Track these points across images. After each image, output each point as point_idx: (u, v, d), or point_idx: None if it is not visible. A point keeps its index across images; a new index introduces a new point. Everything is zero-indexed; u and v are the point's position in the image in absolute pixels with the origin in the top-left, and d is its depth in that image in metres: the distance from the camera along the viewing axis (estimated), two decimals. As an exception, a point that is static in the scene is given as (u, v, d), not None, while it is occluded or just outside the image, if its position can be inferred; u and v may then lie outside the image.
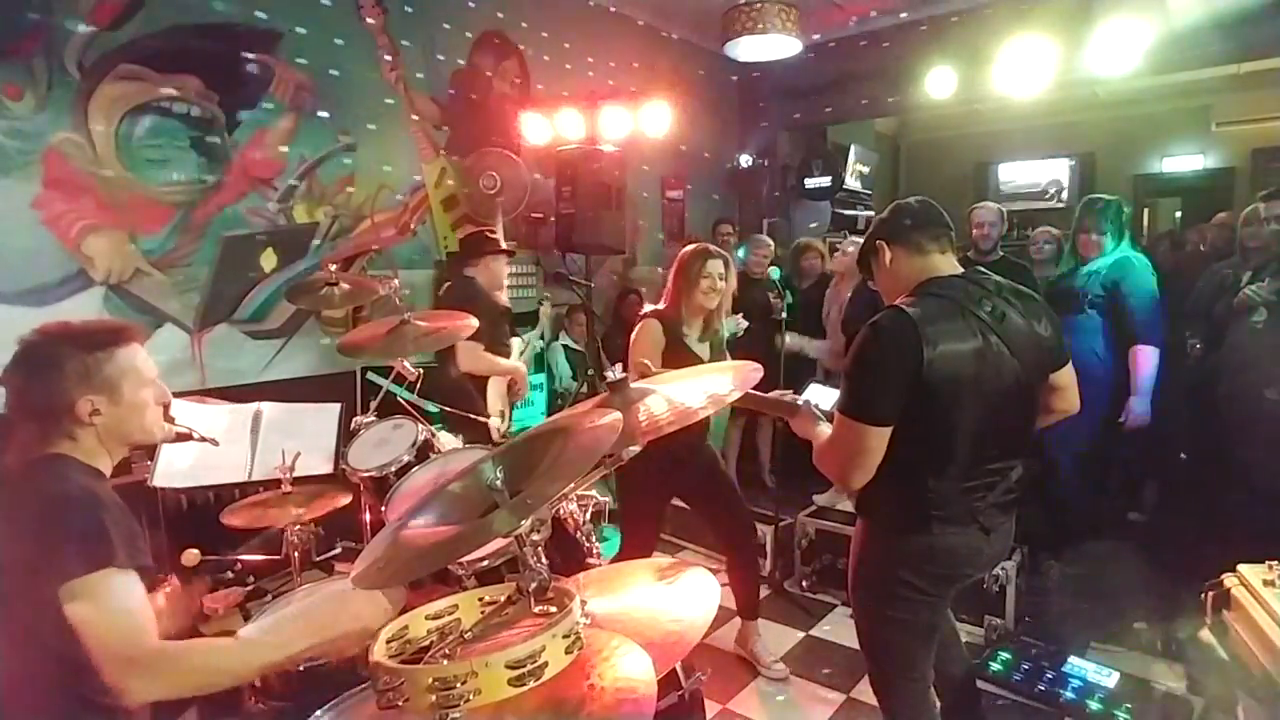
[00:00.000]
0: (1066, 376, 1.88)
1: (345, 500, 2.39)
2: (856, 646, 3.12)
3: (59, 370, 1.35)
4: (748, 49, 5.10)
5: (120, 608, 1.26)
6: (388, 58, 4.19)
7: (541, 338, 4.72)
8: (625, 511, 2.92)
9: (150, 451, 2.51)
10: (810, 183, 7.00)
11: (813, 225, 6.93)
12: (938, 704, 2.01)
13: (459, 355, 3.12)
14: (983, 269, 1.87)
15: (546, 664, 0.86)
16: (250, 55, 3.62)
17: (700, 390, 1.39)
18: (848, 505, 4.35)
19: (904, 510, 1.77)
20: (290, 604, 1.99)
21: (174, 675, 1.26)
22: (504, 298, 3.77)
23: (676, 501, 3.13)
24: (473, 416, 3.12)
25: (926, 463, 1.71)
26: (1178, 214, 8.14)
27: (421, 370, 2.92)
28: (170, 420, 1.65)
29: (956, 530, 1.75)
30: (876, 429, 1.66)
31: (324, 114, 3.92)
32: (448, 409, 3.09)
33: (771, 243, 4.98)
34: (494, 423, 3.11)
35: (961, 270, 1.82)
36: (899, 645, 1.91)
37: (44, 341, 1.39)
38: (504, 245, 3.57)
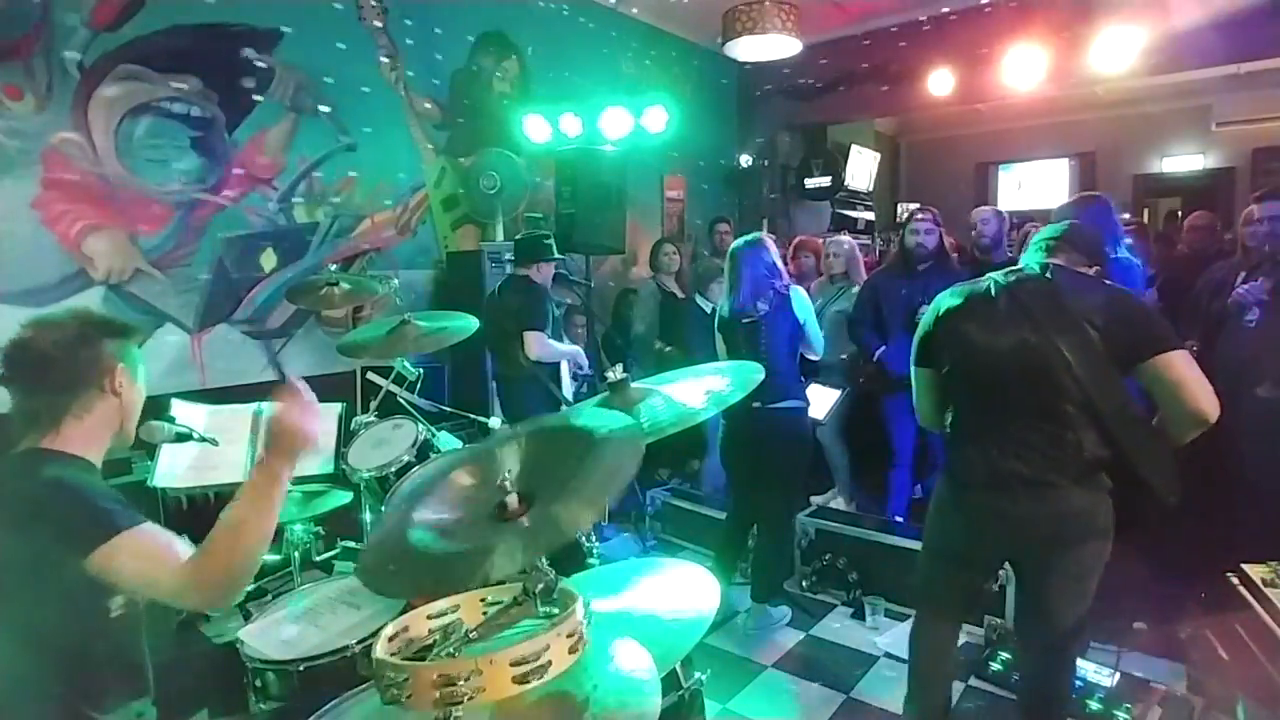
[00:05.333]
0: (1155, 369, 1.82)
1: (345, 500, 2.39)
2: (856, 646, 3.16)
3: (98, 344, 1.47)
4: (748, 49, 5.10)
5: (148, 554, 1.31)
6: (388, 58, 4.19)
7: None
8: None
9: (150, 451, 2.51)
10: (810, 183, 7.01)
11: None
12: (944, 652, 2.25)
13: (528, 346, 3.45)
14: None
15: (550, 663, 0.85)
16: (250, 55, 3.62)
17: (700, 390, 1.39)
18: (846, 505, 4.36)
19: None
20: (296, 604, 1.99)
21: (218, 570, 1.32)
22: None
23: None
24: (472, 417, 3.12)
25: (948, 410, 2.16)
26: (1178, 214, 8.15)
27: (422, 370, 2.92)
28: (165, 420, 1.73)
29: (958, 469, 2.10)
30: (920, 369, 2.18)
31: (324, 114, 3.91)
32: (449, 409, 3.09)
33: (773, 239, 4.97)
34: (494, 423, 3.11)
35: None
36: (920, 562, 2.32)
37: (79, 318, 1.48)
38: (555, 252, 3.77)
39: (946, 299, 2.10)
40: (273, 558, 2.43)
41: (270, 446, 1.39)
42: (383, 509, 2.20)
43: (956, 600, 2.24)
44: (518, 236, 3.89)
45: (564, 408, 3.47)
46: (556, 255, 3.76)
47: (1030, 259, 2.06)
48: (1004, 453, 1.93)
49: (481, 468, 1.09)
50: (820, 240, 5.27)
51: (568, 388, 3.81)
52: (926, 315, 2.15)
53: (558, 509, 0.92)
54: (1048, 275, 1.96)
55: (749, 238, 3.23)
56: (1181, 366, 1.80)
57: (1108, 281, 2.01)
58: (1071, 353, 1.83)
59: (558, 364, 3.72)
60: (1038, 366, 1.86)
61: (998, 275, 2.03)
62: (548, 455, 1.06)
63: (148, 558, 1.31)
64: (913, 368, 2.20)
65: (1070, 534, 1.93)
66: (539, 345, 3.47)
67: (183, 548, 1.34)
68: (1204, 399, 1.79)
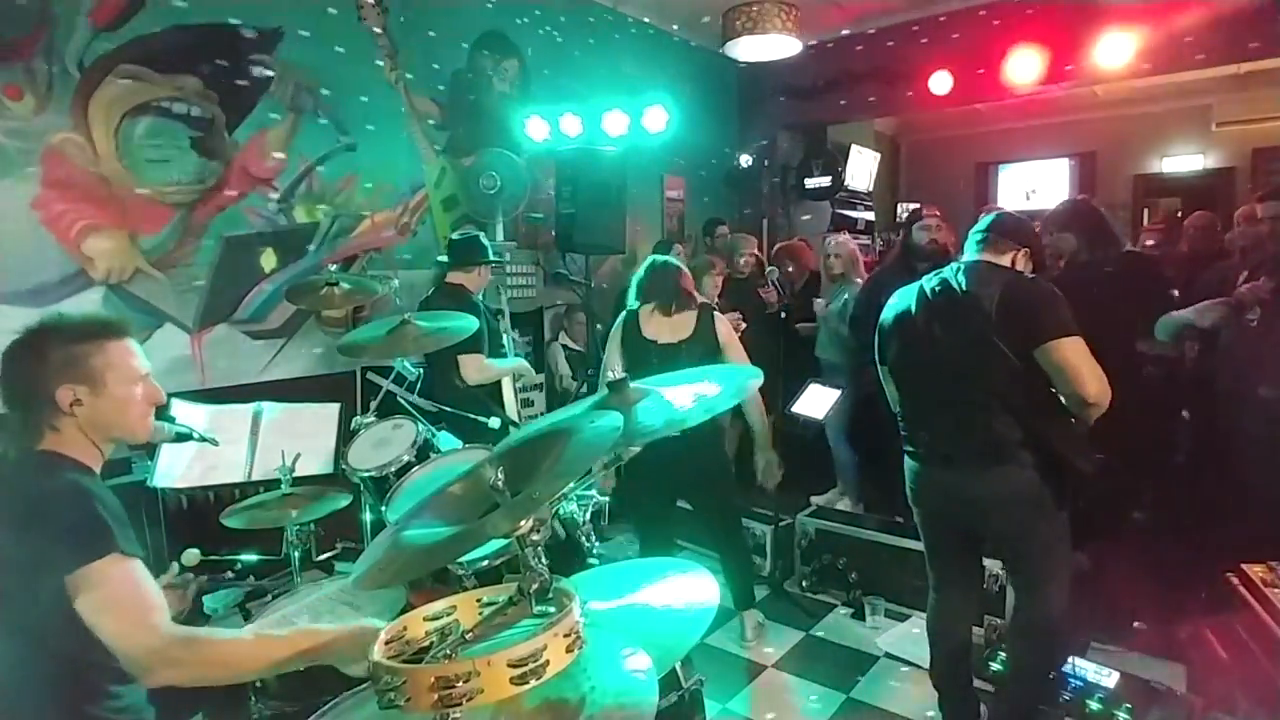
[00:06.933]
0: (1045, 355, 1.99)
1: (345, 500, 2.39)
2: (856, 646, 3.16)
3: (44, 359, 1.37)
4: (748, 49, 5.10)
5: (130, 592, 1.26)
6: (388, 58, 4.19)
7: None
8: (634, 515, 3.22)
9: (150, 451, 2.51)
10: (810, 183, 7.00)
11: (805, 218, 6.95)
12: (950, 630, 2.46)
13: (466, 371, 3.17)
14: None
15: (548, 663, 0.85)
16: (250, 56, 3.62)
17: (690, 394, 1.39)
18: (846, 505, 4.36)
19: None
20: (295, 605, 2.00)
21: (189, 662, 1.24)
22: (503, 298, 4.19)
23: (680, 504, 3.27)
24: (473, 417, 3.12)
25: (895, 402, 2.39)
26: (1178, 214, 8.15)
27: (422, 370, 2.92)
28: (165, 420, 1.68)
29: (910, 451, 2.32)
30: (881, 366, 2.41)
31: (324, 114, 3.91)
32: (449, 409, 3.10)
33: (755, 240, 5.00)
34: (494, 423, 3.11)
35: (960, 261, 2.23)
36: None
37: (35, 330, 1.41)
38: (491, 255, 3.56)
39: (891, 302, 2.33)
40: (273, 558, 2.43)
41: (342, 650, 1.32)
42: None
43: (948, 566, 2.46)
44: (453, 236, 3.66)
45: (510, 430, 3.31)
46: (493, 258, 3.56)
47: (965, 254, 2.26)
48: (931, 435, 2.23)
49: (470, 482, 1.10)
50: (802, 242, 5.27)
51: (511, 407, 3.61)
52: (881, 317, 2.36)
53: (535, 486, 0.97)
54: (959, 279, 2.14)
55: (667, 259, 3.16)
56: (1068, 353, 1.95)
57: (1017, 270, 2.19)
58: (973, 349, 2.04)
59: (498, 383, 3.55)
60: (948, 363, 2.11)
61: (924, 280, 2.25)
62: (532, 455, 1.07)
63: (134, 594, 1.26)
64: (876, 365, 2.44)
65: (989, 502, 2.14)
66: (476, 370, 3.21)
67: (166, 611, 1.30)
68: (1089, 384, 1.93)
